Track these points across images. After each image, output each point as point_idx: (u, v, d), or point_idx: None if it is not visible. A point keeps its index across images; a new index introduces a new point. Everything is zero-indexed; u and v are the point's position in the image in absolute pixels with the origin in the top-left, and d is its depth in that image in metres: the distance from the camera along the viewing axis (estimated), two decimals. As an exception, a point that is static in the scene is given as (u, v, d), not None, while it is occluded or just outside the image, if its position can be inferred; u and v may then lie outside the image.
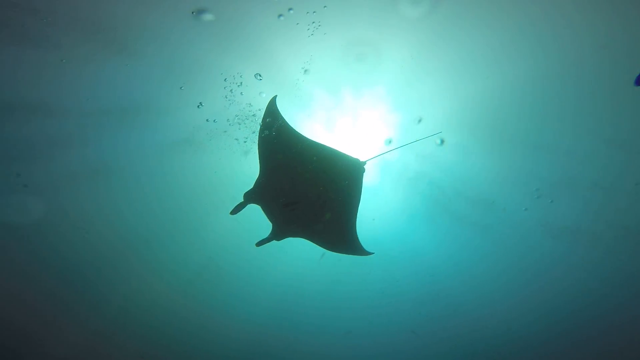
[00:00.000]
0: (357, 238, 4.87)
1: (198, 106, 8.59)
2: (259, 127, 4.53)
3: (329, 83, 8.45)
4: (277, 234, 4.78)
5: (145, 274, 13.40)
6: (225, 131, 8.70)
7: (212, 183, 10.15)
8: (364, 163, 4.69)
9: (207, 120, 8.67)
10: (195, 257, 12.90)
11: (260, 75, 8.15)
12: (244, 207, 4.63)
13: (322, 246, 5.02)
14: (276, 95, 4.43)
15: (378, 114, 8.80)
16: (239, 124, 8.10)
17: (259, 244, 4.73)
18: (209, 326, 15.50)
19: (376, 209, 10.64)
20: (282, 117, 4.43)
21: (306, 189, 4.62)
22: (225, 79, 7.82)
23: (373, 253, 4.93)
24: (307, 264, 12.41)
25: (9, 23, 7.37)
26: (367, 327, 15.29)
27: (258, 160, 4.62)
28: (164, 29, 7.75)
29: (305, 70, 8.12)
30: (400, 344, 15.72)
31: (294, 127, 4.54)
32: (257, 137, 4.52)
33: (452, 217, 10.83)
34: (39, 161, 9.55)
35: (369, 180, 9.94)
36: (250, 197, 4.65)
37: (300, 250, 11.66)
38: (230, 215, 4.63)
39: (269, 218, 4.79)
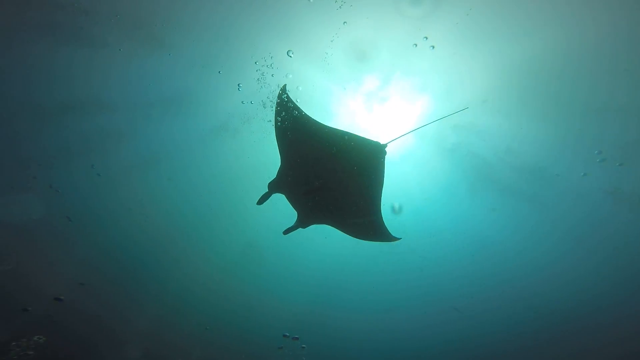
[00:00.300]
0: (383, 223, 4.68)
1: (238, 88, 8.77)
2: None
3: (359, 56, 8.10)
4: (302, 222, 4.80)
5: (196, 259, 14.28)
6: (265, 106, 8.82)
7: (253, 165, 10.41)
8: (385, 146, 4.41)
9: (242, 102, 8.83)
10: (240, 239, 13.48)
11: (291, 52, 8.07)
12: (270, 196, 4.72)
13: (347, 233, 4.93)
14: (285, 84, 4.33)
15: (414, 84, 8.30)
16: (272, 106, 8.14)
17: (286, 232, 4.79)
18: (258, 306, 16.36)
19: (413, 183, 10.28)
20: (295, 104, 4.32)
21: (327, 176, 4.53)
22: (255, 62, 7.84)
23: (400, 238, 4.78)
24: (348, 237, 12.52)
25: (62, 25, 8.00)
26: (408, 304, 15.28)
27: (278, 150, 4.62)
28: (198, 20, 7.93)
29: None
30: (442, 319, 15.59)
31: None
32: (274, 126, 4.48)
33: (496, 186, 10.18)
34: (96, 155, 10.43)
35: (404, 156, 9.58)
36: (274, 186, 4.72)
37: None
38: (257, 205, 4.76)
39: (293, 206, 4.84)
